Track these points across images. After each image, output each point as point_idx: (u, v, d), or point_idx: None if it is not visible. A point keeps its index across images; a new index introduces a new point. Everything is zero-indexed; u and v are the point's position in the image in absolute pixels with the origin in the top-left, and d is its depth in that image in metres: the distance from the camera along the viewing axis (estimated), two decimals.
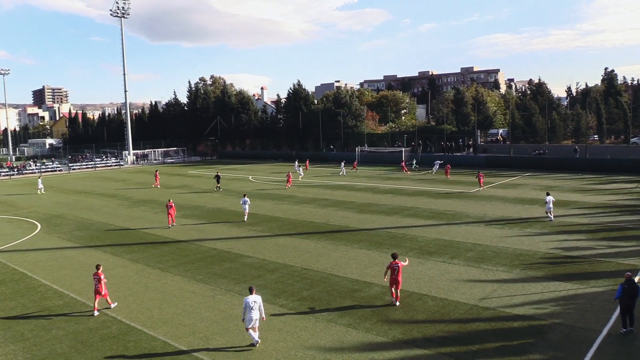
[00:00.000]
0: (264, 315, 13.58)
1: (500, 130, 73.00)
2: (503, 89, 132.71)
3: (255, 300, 13.34)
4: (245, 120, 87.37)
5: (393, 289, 15.79)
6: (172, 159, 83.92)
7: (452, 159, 61.13)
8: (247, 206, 29.54)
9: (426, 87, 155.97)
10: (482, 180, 40.20)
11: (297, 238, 24.68)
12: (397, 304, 15.60)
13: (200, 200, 37.85)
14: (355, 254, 21.56)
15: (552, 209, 26.65)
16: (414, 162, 57.34)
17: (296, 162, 57.30)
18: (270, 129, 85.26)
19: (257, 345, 13.36)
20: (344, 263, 20.20)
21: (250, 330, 13.31)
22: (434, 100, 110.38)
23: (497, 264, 19.39)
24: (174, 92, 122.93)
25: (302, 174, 53.03)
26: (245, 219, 29.11)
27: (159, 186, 46.85)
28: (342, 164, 55.80)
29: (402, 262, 16.05)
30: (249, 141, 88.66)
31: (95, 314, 15.62)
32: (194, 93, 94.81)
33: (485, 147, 65.80)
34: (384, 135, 74.45)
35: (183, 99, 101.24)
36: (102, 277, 15.81)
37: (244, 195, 30.82)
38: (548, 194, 27.31)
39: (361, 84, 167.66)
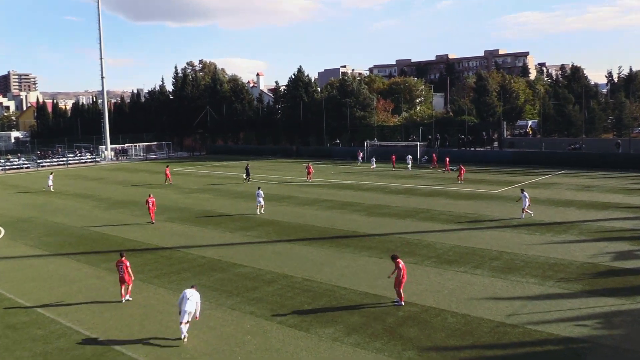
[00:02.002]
0: (198, 314, 14.91)
1: (530, 122, 72.89)
2: (533, 74, 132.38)
3: (193, 294, 14.80)
4: (239, 110, 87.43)
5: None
6: (155, 154, 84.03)
7: (473, 155, 61.02)
8: (261, 199, 32.13)
9: (444, 72, 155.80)
10: (462, 173, 43.36)
11: (298, 244, 24.61)
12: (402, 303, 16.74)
13: (187, 202, 37.85)
14: (364, 262, 21.46)
15: (527, 205, 28.86)
16: (410, 160, 57.20)
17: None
18: (267, 121, 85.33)
19: (185, 339, 14.44)
20: (351, 273, 20.10)
21: (183, 326, 14.52)
22: (453, 87, 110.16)
23: (527, 275, 19.25)
24: (162, 79, 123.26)
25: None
26: (261, 211, 31.98)
27: (172, 182, 48.17)
28: (373, 159, 57.55)
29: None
30: (243, 134, 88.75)
31: (123, 301, 17.68)
32: (180, 80, 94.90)
33: (513, 141, 65.63)
34: (396, 128, 74.36)
35: (169, 86, 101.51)
36: (127, 264, 17.70)
37: (259, 188, 33.20)
38: (523, 191, 29.64)
39: (370, 70, 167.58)
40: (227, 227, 29.08)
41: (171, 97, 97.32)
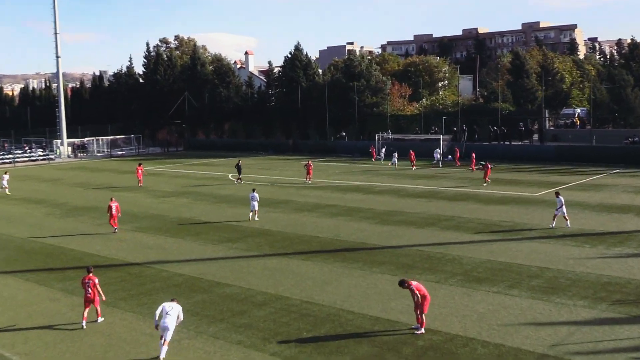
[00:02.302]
0: (182, 317, 16.02)
1: (578, 110, 72.93)
2: (582, 52, 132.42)
3: (173, 307, 15.73)
4: (224, 96, 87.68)
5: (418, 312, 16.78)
6: (122, 150, 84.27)
7: (508, 150, 61.02)
8: (256, 203, 32.44)
9: (473, 50, 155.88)
10: (488, 173, 43.38)
11: (295, 259, 24.62)
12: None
13: (161, 208, 37.91)
14: (375, 281, 21.48)
15: (565, 212, 28.76)
16: (438, 154, 57.33)
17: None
18: (258, 110, 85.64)
19: None
20: (360, 294, 20.11)
21: (162, 342, 15.31)
22: (484, 68, 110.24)
23: (575, 297, 19.25)
24: (130, 58, 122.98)
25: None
26: (255, 218, 32.47)
27: (141, 184, 48.11)
28: (395, 155, 57.50)
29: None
30: (229, 126, 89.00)
31: (83, 326, 17.73)
32: (152, 60, 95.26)
33: (556, 133, 65.71)
34: (414, 118, 74.42)
35: (138, 68, 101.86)
36: (96, 281, 18.07)
37: (253, 190, 33.23)
38: (558, 194, 29.32)
39: (383, 47, 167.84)
40: (210, 238, 29.08)
41: (141, 81, 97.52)
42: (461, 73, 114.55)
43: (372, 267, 23.15)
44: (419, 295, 16.69)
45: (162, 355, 15.33)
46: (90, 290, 17.91)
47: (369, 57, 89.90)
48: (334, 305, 19.15)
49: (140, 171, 48.74)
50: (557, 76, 74.62)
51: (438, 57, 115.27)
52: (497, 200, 37.04)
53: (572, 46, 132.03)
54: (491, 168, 44.63)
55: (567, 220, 28.93)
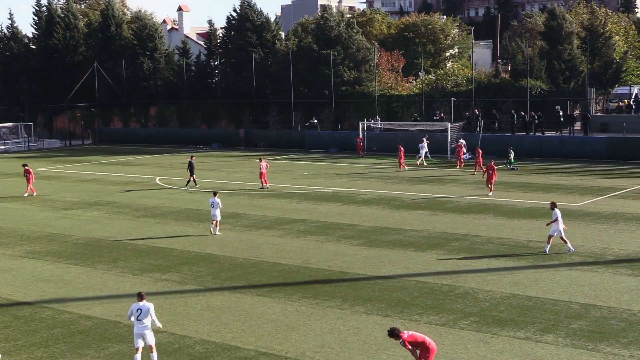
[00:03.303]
0: (159, 324, 18.83)
1: (636, 89, 73.62)
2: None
3: (146, 306, 18.25)
4: (149, 70, 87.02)
5: None
6: (4, 144, 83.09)
7: (539, 144, 61.37)
8: (218, 212, 33.73)
9: (493, 8, 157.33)
10: (493, 178, 43.00)
11: (248, 295, 24.58)
12: None
13: (61, 224, 37.57)
14: (359, 324, 21.52)
15: (562, 231, 28.83)
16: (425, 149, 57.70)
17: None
18: (197, 88, 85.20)
19: None
20: (338, 342, 20.16)
21: (138, 355, 17.89)
22: (508, 32, 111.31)
23: (632, 345, 19.47)
24: (10, 15, 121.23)
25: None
26: (216, 231, 33.91)
27: (34, 193, 47.22)
28: (424, 143, 56.98)
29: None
30: (156, 110, 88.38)
31: None
32: (45, 17, 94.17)
33: (607, 120, 66.21)
34: (411, 99, 74.73)
35: (26, 29, 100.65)
36: None
37: (215, 194, 34.45)
38: (554, 207, 29.37)
39: (369, 2, 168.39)
40: (130, 266, 28.87)
41: (31, 47, 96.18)
42: (476, 38, 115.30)
43: (355, 306, 23.15)
44: (417, 351, 16.32)
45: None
46: None
47: (349, 17, 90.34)
48: (301, 358, 19.15)
49: (28, 175, 47.67)
50: (608, 43, 75.04)
51: (444, 17, 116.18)
52: (524, 213, 37.37)
53: (628, 2, 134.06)
54: (494, 167, 43.19)
55: (566, 242, 28.86)
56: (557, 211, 28.93)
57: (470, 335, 20.37)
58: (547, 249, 29.09)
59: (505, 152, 53.14)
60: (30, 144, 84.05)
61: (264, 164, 47.63)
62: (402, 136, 63.25)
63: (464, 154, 55.59)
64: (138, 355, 18.16)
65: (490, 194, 42.32)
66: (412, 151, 57.50)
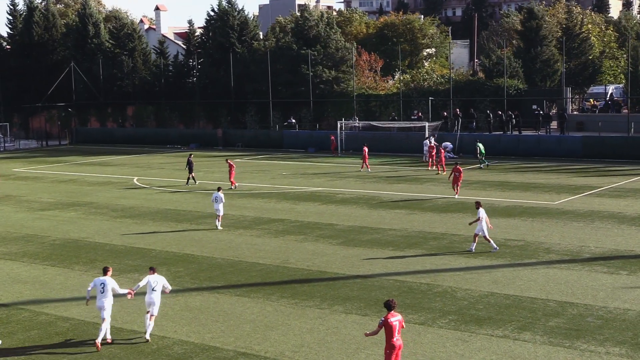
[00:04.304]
0: (169, 287, 21.00)
1: (611, 88, 74.05)
2: (616, 10, 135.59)
3: (158, 281, 20.44)
4: (127, 69, 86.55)
5: None
6: None
7: (516, 142, 61.64)
8: (221, 206, 34.83)
9: (471, 6, 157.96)
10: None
11: (227, 295, 24.55)
12: None
13: (38, 226, 37.36)
14: (337, 323, 21.52)
15: (485, 231, 29.12)
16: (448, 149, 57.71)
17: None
18: (175, 88, 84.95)
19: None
20: (317, 342, 20.17)
21: (149, 317, 20.33)
22: (485, 31, 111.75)
23: (608, 342, 19.58)
24: None
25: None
26: (219, 226, 34.99)
27: None
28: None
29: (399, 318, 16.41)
30: (134, 110, 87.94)
31: None
32: (22, 17, 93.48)
33: (583, 119, 66.61)
34: (390, 99, 74.86)
35: (1, 28, 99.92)
36: None
37: (218, 189, 35.51)
38: (479, 206, 29.58)
39: (347, 2, 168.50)
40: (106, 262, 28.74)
41: (6, 47, 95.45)
42: (454, 38, 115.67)
43: (334, 305, 23.16)
44: (395, 333, 16.29)
45: (149, 332, 20.15)
46: None
47: (327, 16, 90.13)
48: (280, 357, 19.13)
49: None
50: (584, 42, 75.33)
51: (422, 16, 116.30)
52: (502, 212, 37.55)
53: (602, 2, 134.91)
54: (460, 169, 41.87)
55: (490, 241, 29.22)
56: (482, 210, 29.27)
57: (448, 333, 20.43)
58: (473, 248, 29.46)
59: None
60: (6, 145, 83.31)
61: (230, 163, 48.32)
62: (369, 137, 63.50)
63: (435, 153, 54.78)
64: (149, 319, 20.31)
65: (456, 196, 41.37)
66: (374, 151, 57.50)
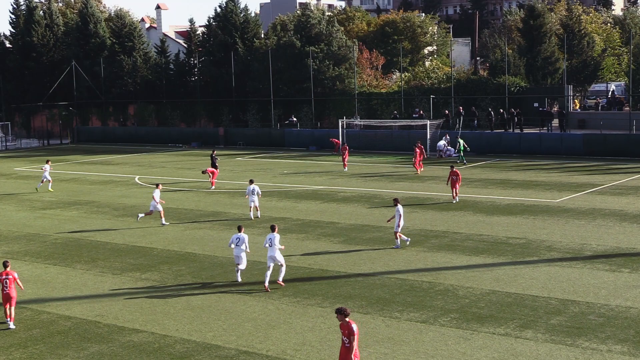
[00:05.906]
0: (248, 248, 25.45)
1: (613, 86, 74.01)
2: (618, 7, 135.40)
3: (240, 237, 25.34)
4: (127, 68, 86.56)
5: None
6: None
7: (517, 140, 61.63)
8: (256, 197, 36.29)
9: (470, 4, 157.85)
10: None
11: (229, 294, 24.59)
12: None
13: (39, 224, 37.38)
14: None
15: (399, 228, 29.77)
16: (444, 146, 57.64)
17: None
18: (176, 86, 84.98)
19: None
20: (318, 340, 20.17)
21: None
22: (486, 29, 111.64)
23: (610, 340, 19.59)
24: None
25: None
26: (254, 215, 36.57)
27: None
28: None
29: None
30: (135, 109, 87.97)
31: (11, 327, 21.58)
32: (24, 16, 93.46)
33: (584, 117, 66.65)
34: (391, 97, 74.83)
35: (3, 27, 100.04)
36: (15, 276, 22.05)
37: (251, 182, 36.79)
38: (397, 202, 30.07)
39: (348, 1, 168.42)
40: (110, 265, 28.76)
41: (8, 46, 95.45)
42: (455, 36, 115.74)
43: (335, 304, 23.01)
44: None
45: (239, 279, 25.54)
46: (8, 286, 21.49)
47: (329, 14, 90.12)
48: (282, 356, 19.15)
49: None
50: (585, 40, 75.19)
51: (423, 14, 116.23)
52: (503, 210, 37.55)
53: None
54: (458, 172, 40.19)
55: (397, 238, 29.82)
56: (400, 207, 29.69)
57: (450, 331, 20.44)
58: (399, 244, 29.83)
59: (483, 150, 53.24)
60: (7, 144, 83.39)
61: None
62: (383, 134, 63.49)
63: (423, 157, 53.30)
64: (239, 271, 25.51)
65: (454, 201, 39.90)
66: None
